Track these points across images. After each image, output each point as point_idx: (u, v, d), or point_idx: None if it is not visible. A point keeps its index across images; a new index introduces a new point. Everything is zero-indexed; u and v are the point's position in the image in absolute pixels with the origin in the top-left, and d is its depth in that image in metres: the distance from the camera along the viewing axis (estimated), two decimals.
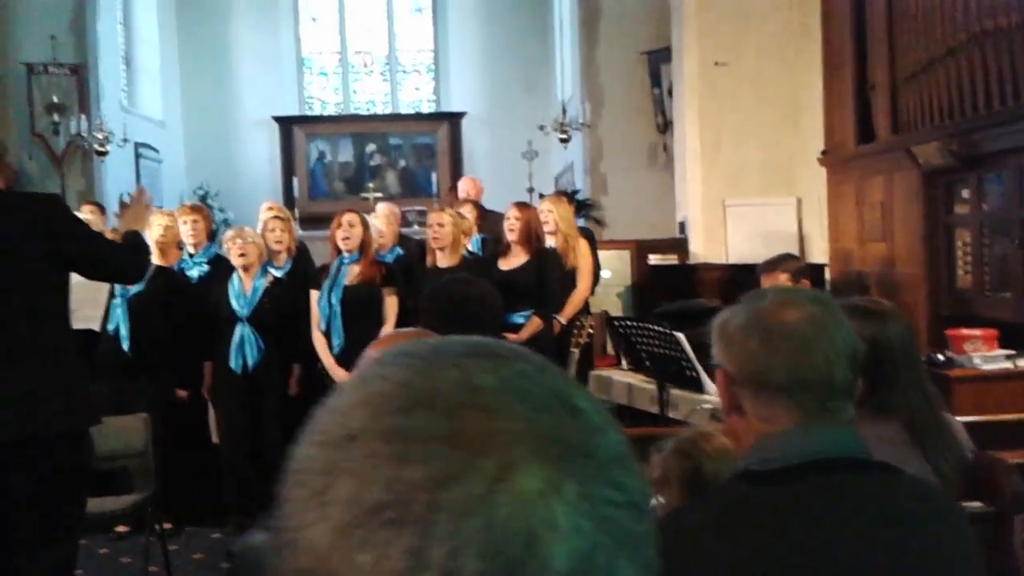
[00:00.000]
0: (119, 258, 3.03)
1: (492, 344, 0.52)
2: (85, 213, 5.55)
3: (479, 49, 14.11)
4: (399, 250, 5.81)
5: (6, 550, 2.84)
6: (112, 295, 4.39)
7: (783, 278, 3.60)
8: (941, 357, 3.71)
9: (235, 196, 13.30)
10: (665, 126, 10.12)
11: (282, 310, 4.94)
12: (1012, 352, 3.71)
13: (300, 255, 5.54)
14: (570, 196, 6.12)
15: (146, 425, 4.03)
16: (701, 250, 7.07)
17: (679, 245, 7.24)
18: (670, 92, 10.00)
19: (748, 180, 7.04)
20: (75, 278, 2.99)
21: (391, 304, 4.91)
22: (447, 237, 4.83)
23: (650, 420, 3.92)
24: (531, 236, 4.87)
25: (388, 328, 4.90)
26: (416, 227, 10.18)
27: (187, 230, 5.15)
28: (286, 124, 14.40)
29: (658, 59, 9.90)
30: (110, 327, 4.46)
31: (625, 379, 4.44)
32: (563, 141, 9.77)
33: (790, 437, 1.24)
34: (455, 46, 14.39)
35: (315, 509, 0.46)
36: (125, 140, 11.31)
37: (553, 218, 5.20)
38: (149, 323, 4.70)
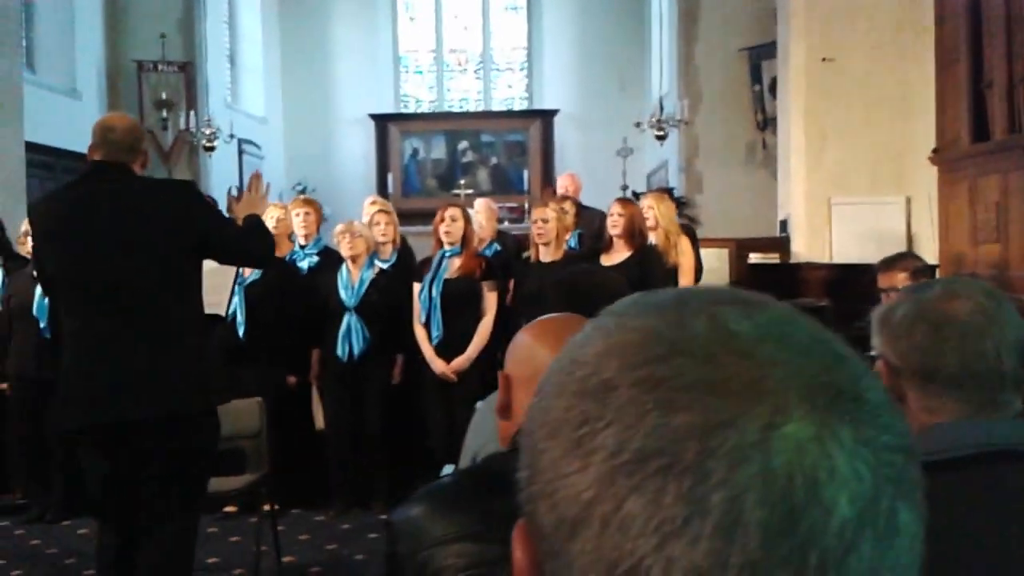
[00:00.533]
0: (249, 242, 3.13)
1: (737, 291, 0.51)
2: None
3: (573, 47, 14.11)
4: (497, 245, 5.87)
5: (131, 524, 2.96)
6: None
7: (901, 277, 3.51)
8: None
9: (332, 192, 13.57)
10: (764, 123, 9.98)
11: (388, 301, 5.03)
12: None
13: (403, 248, 5.65)
14: (671, 193, 6.08)
15: (260, 408, 4.16)
16: (804, 249, 6.94)
17: (780, 244, 7.13)
18: (771, 89, 9.85)
19: (854, 178, 6.89)
20: (206, 265, 3.10)
21: (491, 298, 4.96)
22: (551, 232, 4.86)
23: None
24: (634, 232, 4.85)
25: (488, 322, 4.96)
26: (506, 224, 10.24)
27: (299, 222, 5.29)
28: (382, 121, 14.64)
29: (759, 55, 9.77)
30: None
31: None
32: (659, 138, 9.71)
33: (958, 428, 1.22)
34: (549, 44, 14.42)
35: (575, 459, 0.46)
36: (232, 136, 11.65)
37: (654, 215, 5.18)
38: (262, 311, 4.86)
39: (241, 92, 14.10)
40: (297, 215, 5.29)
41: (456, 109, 15.18)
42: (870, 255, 6.66)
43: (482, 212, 5.90)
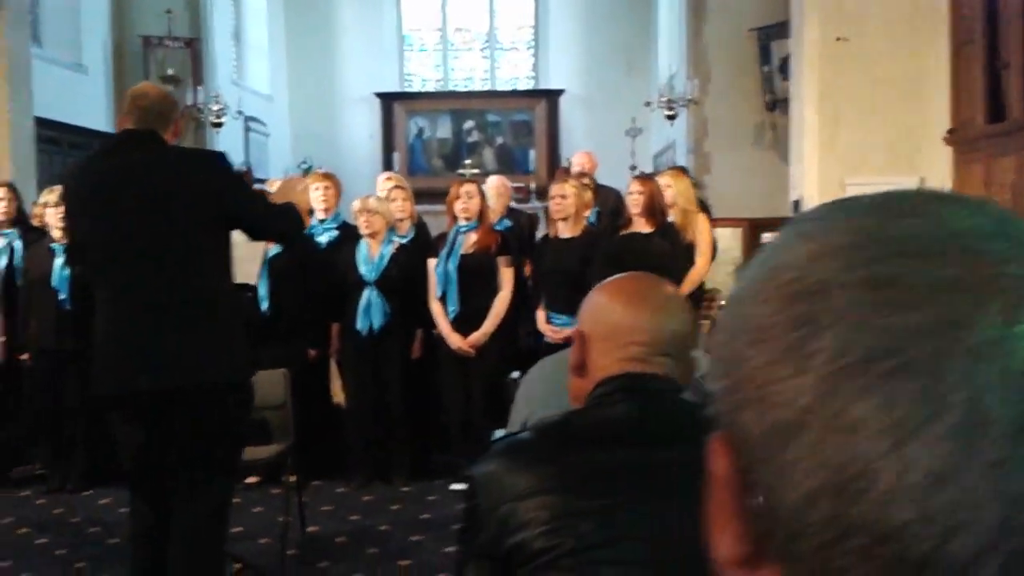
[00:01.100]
0: (277, 220, 3.14)
1: (946, 192, 0.50)
2: None
3: (579, 26, 14.05)
4: (507, 222, 5.89)
5: (164, 492, 2.99)
6: None
7: None
8: None
9: (337, 171, 13.38)
10: (774, 104, 9.96)
11: (407, 276, 5.06)
12: None
13: (420, 224, 5.68)
14: (686, 172, 6.09)
15: (285, 379, 4.19)
16: None
17: None
18: (780, 70, 9.84)
19: (868, 159, 6.89)
20: (237, 235, 3.12)
21: (507, 273, 4.99)
22: (569, 208, 4.88)
23: None
24: (654, 209, 4.87)
25: (504, 297, 4.98)
26: (512, 203, 10.23)
27: (318, 196, 5.30)
28: (387, 100, 14.60)
29: (768, 35, 9.74)
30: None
31: None
32: (670, 118, 9.70)
33: None
34: (555, 23, 14.36)
35: (790, 363, 0.44)
36: (240, 113, 11.63)
37: (672, 192, 5.19)
38: (284, 285, 4.88)
39: (246, 69, 14.05)
40: (316, 189, 5.30)
41: (461, 88, 15.14)
42: None
43: (491, 189, 5.92)
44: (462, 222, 4.94)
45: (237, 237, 3.11)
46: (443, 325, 4.94)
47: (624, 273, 1.49)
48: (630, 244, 2.20)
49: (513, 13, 14.88)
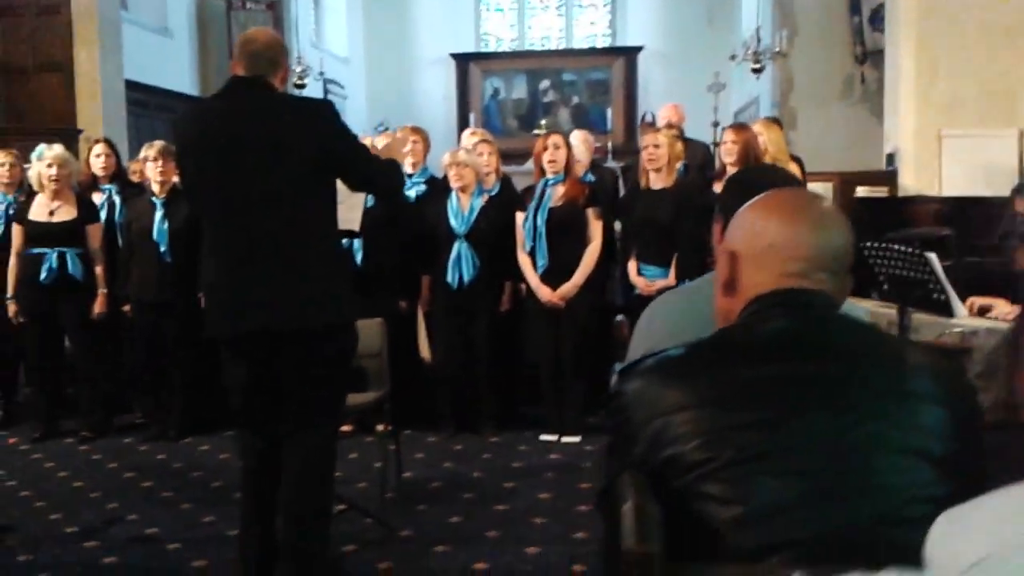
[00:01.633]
0: (379, 172, 3.15)
1: None
2: None
3: None
4: (591, 177, 5.84)
5: (274, 432, 3.06)
6: None
7: None
8: None
9: None
10: (864, 57, 9.68)
11: (496, 229, 5.06)
12: None
13: (505, 179, 5.66)
14: (779, 122, 5.95)
15: (381, 328, 4.23)
16: (913, 183, 6.76)
17: (887, 178, 6.94)
18: (871, 20, 9.53)
19: (966, 110, 6.66)
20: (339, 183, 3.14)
21: (596, 225, 4.95)
22: (662, 158, 4.81)
23: None
24: (749, 158, 4.77)
25: (594, 248, 4.94)
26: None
27: (407, 150, 5.31)
28: (463, 61, 14.57)
29: None
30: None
31: (860, 304, 4.32)
32: (756, 71, 9.48)
33: None
34: None
35: None
36: (321, 74, 11.74)
37: (764, 141, 5.08)
38: (378, 238, 4.92)
39: (325, 32, 14.16)
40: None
41: (537, 48, 15.02)
42: (981, 188, 6.49)
43: (580, 141, 5.86)
44: (549, 175, 4.91)
45: (339, 185, 3.13)
46: (532, 278, 4.93)
47: (775, 190, 1.45)
48: (755, 175, 2.14)
49: None
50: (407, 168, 5.43)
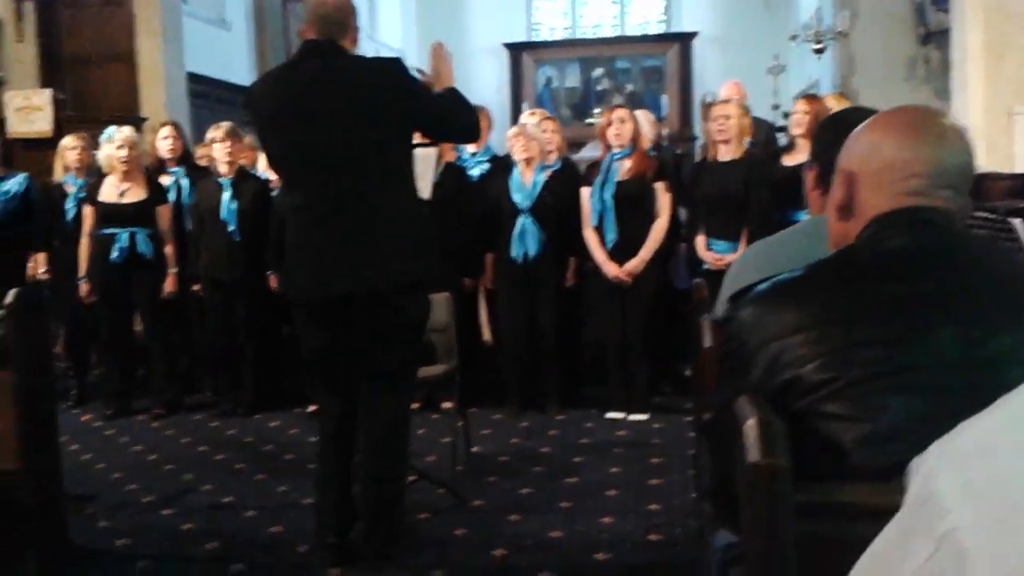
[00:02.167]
0: (458, 117, 3.13)
1: None
2: None
3: None
4: (652, 152, 5.77)
5: (350, 395, 3.08)
6: None
7: None
8: None
9: None
10: (927, 37, 9.46)
11: (559, 204, 5.03)
12: None
13: (566, 157, 5.64)
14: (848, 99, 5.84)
15: (448, 303, 4.25)
16: (983, 160, 6.56)
17: None
18: (933, 1, 9.31)
19: None
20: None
21: (665, 198, 4.90)
22: (732, 129, 4.74)
23: None
24: None
25: (662, 223, 4.88)
26: None
27: None
28: (515, 51, 14.55)
29: None
30: None
31: None
32: (818, 51, 9.32)
33: None
34: None
35: None
36: None
37: None
38: (442, 213, 4.91)
39: (379, 24, 14.23)
40: None
41: (590, 36, 14.94)
42: None
43: (642, 119, 5.80)
44: (615, 148, 4.86)
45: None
46: (598, 254, 4.88)
47: (893, 108, 1.40)
48: (856, 109, 2.07)
49: None
50: (471, 148, 5.44)
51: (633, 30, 14.72)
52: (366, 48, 12.32)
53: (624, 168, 4.88)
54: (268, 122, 3.04)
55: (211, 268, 5.21)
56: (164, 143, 5.69)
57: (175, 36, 8.84)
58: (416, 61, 15.86)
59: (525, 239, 4.95)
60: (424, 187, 3.55)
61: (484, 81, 14.72)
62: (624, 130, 4.88)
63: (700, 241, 4.86)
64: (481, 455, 4.37)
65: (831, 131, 1.97)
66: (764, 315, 1.26)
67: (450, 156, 5.34)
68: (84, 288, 5.36)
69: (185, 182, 5.64)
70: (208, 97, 10.50)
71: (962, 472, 0.62)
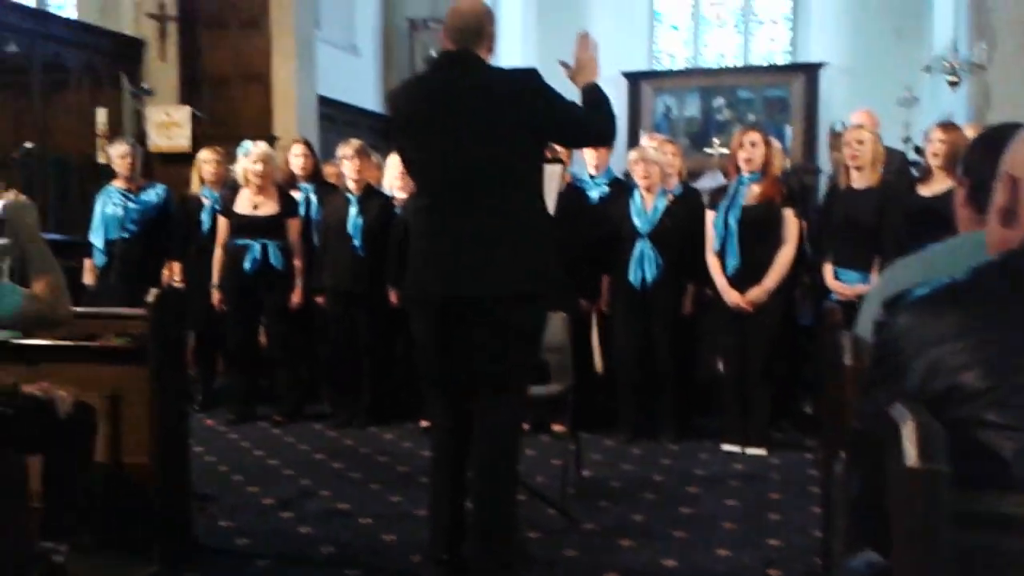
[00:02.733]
0: (595, 123, 3.12)
1: None
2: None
3: None
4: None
5: (467, 407, 3.09)
6: None
7: None
8: None
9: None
10: None
11: (680, 229, 4.97)
12: None
13: (686, 182, 5.59)
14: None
15: (565, 323, 4.23)
16: None
17: None
18: None
19: None
20: None
21: (793, 224, 4.77)
22: (866, 155, 4.60)
23: None
24: (957, 161, 4.47)
25: (789, 251, 4.75)
26: None
27: (591, 152, 5.33)
28: (634, 79, 14.51)
29: None
30: None
31: None
32: (952, 84, 8.98)
33: None
34: None
35: None
36: None
37: None
38: (559, 233, 4.92)
39: (501, 52, 14.45)
40: None
41: (712, 65, 14.79)
42: None
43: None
44: (745, 172, 4.77)
45: None
46: (720, 280, 4.79)
47: None
48: (1007, 125, 1.98)
49: None
50: (590, 169, 5.45)
51: (757, 60, 14.50)
52: None
53: (752, 193, 4.78)
54: (405, 128, 3.11)
55: (335, 281, 5.35)
56: (297, 160, 5.90)
57: (309, 60, 9.19)
58: None
59: (643, 264, 4.91)
60: (548, 203, 3.56)
61: None
62: (755, 154, 4.78)
63: (828, 270, 4.71)
64: (592, 479, 4.32)
65: (983, 147, 1.90)
66: (923, 320, 1.20)
67: (567, 177, 5.35)
68: (216, 296, 5.57)
69: (314, 198, 5.82)
70: (336, 120, 10.85)
71: None
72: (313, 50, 9.37)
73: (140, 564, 3.17)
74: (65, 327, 2.79)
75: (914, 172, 6.38)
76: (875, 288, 1.94)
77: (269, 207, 5.45)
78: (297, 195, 5.79)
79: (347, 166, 5.38)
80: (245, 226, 5.41)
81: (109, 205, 5.87)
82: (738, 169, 4.80)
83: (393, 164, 5.44)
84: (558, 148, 4.39)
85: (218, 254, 5.57)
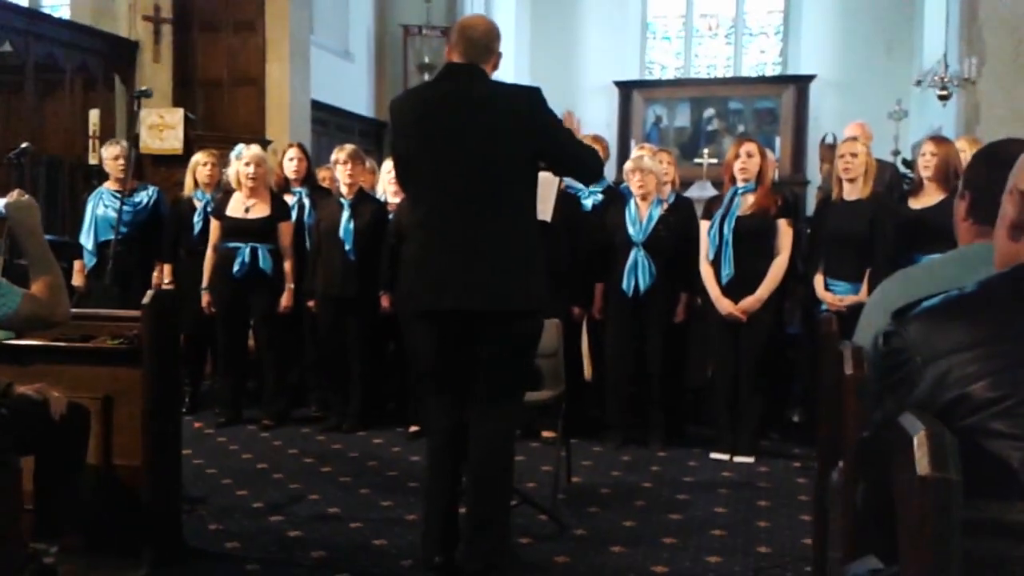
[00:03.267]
0: (585, 157, 3.18)
1: None
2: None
3: (834, 8, 13.43)
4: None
5: (462, 414, 3.10)
6: None
7: None
8: None
9: None
10: None
11: (674, 238, 5.00)
12: None
13: (679, 192, 5.61)
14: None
15: (558, 329, 4.24)
16: None
17: None
18: None
19: None
20: None
21: (787, 235, 4.80)
22: (859, 167, 4.63)
23: None
24: (948, 173, 4.52)
25: (782, 261, 4.79)
26: None
27: None
28: (626, 89, 14.57)
29: None
30: None
31: None
32: (942, 98, 9.06)
33: None
34: (808, 6, 13.80)
35: None
36: None
37: (965, 159, 4.81)
38: (553, 240, 4.93)
39: None
40: None
41: (703, 76, 14.87)
42: None
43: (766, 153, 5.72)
44: (740, 183, 4.80)
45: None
46: (713, 289, 4.81)
47: None
48: (1008, 141, 2.01)
49: None
50: None
51: (748, 71, 14.59)
52: None
53: (747, 203, 4.81)
54: (405, 136, 3.11)
55: (326, 285, 5.34)
56: (290, 164, 5.89)
57: (303, 64, 9.19)
58: None
59: (636, 272, 4.93)
60: (546, 210, 3.58)
61: (592, 118, 14.76)
62: (751, 164, 4.81)
63: (819, 280, 4.74)
64: (582, 485, 4.33)
65: (985, 161, 1.92)
66: (933, 331, 1.22)
67: (561, 185, 5.36)
68: (206, 299, 5.55)
69: (308, 202, 5.81)
70: (328, 124, 10.86)
71: None
72: (307, 54, 9.37)
73: (130, 566, 3.16)
74: (62, 328, 2.77)
75: (904, 185, 6.44)
76: (875, 299, 1.95)
77: (261, 210, 5.44)
78: (291, 199, 5.78)
79: (340, 171, 5.37)
80: (236, 229, 5.40)
81: (101, 207, 5.85)
82: (733, 179, 4.83)
83: (387, 169, 5.44)
84: None
85: (209, 256, 5.55)
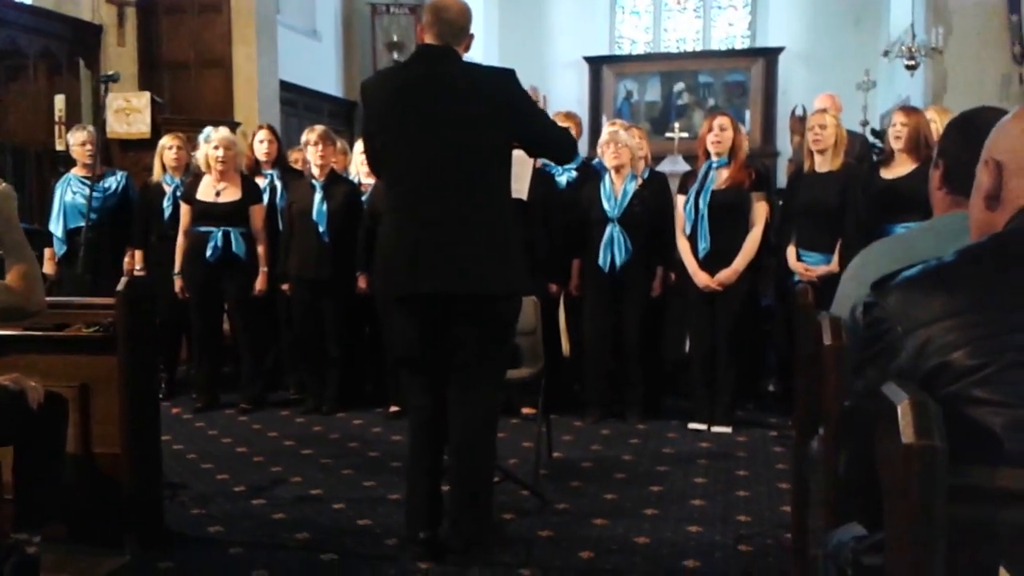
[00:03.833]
0: (560, 138, 3.19)
1: None
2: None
3: None
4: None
5: (443, 394, 3.11)
6: None
7: None
8: None
9: None
10: (1023, 56, 9.18)
11: (649, 213, 5.01)
12: None
13: (652, 168, 5.62)
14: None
15: (535, 307, 4.25)
16: None
17: None
18: None
19: None
20: None
21: (761, 208, 4.84)
22: (829, 139, 4.67)
23: None
24: (919, 143, 4.57)
25: (756, 233, 4.83)
26: None
27: None
28: (596, 64, 14.54)
29: None
30: None
31: None
32: (910, 67, 9.13)
33: None
34: None
35: None
36: None
37: (936, 128, 4.86)
38: (529, 218, 4.93)
39: None
40: None
41: (673, 50, 14.87)
42: None
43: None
44: (714, 157, 4.82)
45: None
46: (690, 263, 4.84)
47: None
48: (981, 109, 2.02)
49: None
50: None
51: (717, 45, 14.60)
52: None
53: (721, 177, 4.84)
54: (378, 118, 3.10)
55: (300, 268, 5.31)
56: (260, 146, 5.83)
57: (269, 44, 9.07)
58: None
59: (613, 247, 4.94)
60: (521, 189, 3.58)
61: (564, 94, 14.73)
62: (724, 138, 4.84)
63: (791, 252, 4.78)
64: (563, 460, 4.36)
65: (958, 131, 1.94)
66: (913, 301, 1.23)
67: (535, 163, 5.36)
68: (178, 284, 5.50)
69: (279, 184, 5.77)
70: (297, 104, 10.74)
71: None
72: (274, 34, 9.24)
73: (113, 554, 3.14)
74: (37, 317, 2.74)
75: (874, 155, 6.49)
76: (852, 270, 1.98)
77: (231, 193, 5.39)
78: (262, 181, 5.73)
79: (312, 152, 5.33)
80: (207, 213, 5.35)
81: (69, 193, 5.77)
82: (707, 154, 4.84)
83: (359, 150, 5.40)
84: None
85: (180, 241, 5.50)
